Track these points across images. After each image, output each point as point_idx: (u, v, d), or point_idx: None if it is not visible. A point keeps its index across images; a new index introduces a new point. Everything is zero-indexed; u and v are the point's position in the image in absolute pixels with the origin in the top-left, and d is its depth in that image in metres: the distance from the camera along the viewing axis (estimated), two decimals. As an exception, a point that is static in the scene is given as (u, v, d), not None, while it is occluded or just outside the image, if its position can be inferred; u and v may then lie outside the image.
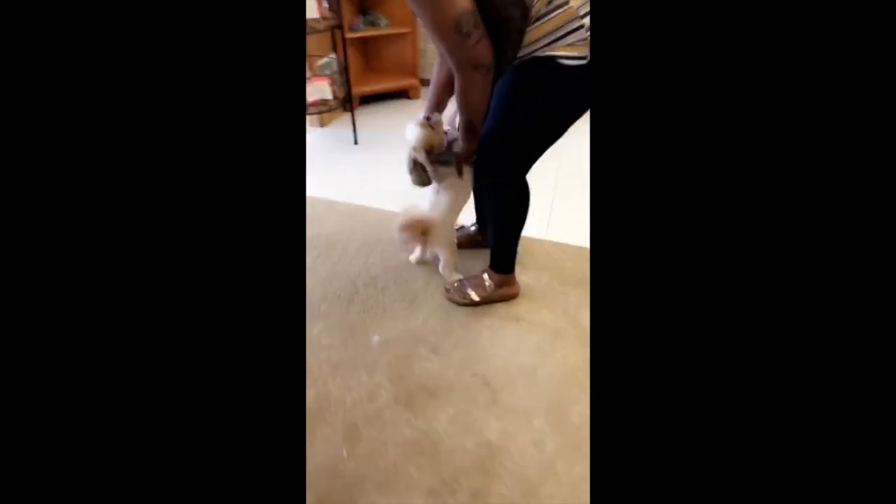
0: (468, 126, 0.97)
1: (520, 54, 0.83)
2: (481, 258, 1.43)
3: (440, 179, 1.16)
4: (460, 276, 1.30)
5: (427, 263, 1.42)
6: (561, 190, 1.83)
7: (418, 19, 0.79)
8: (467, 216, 1.42)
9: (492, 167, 1.03)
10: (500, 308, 1.26)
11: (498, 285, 1.23)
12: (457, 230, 1.47)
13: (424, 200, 1.25)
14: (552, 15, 0.76)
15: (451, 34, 0.74)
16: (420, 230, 1.21)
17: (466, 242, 1.45)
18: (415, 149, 1.10)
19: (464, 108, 0.91)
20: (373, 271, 1.39)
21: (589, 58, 0.79)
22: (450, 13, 0.72)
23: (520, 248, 1.21)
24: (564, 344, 1.15)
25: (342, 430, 0.95)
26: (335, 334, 1.17)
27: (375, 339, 1.16)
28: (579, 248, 1.50)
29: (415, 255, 1.41)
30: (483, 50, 0.77)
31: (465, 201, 1.23)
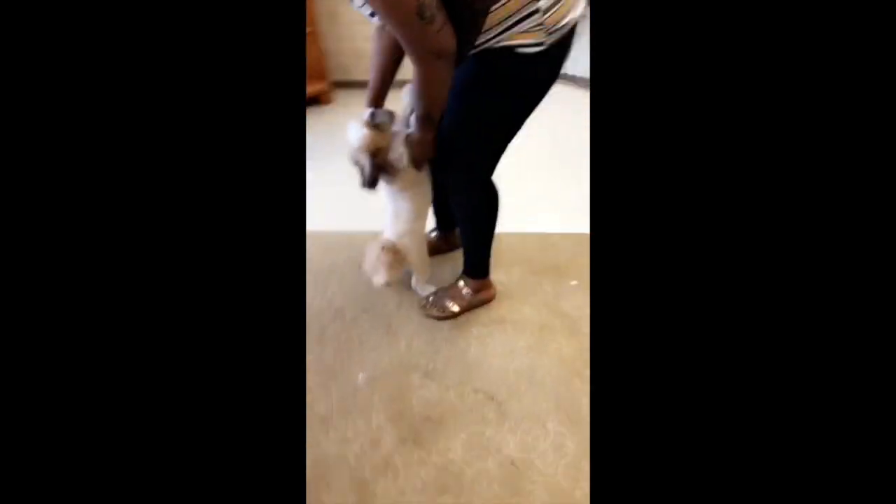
0: (426, 118, 0.87)
1: (476, 49, 0.77)
2: (449, 264, 1.37)
3: (392, 183, 1.04)
4: (434, 289, 1.23)
5: (393, 283, 1.33)
6: (505, 180, 1.82)
7: (369, 5, 0.68)
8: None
9: (456, 164, 0.96)
10: (482, 313, 1.21)
11: (475, 291, 1.19)
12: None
13: (384, 214, 1.15)
14: (504, 3, 0.71)
15: (412, 20, 0.65)
16: (395, 258, 1.10)
17: (430, 251, 1.38)
18: (358, 151, 0.97)
19: (424, 99, 0.82)
20: (336, 303, 1.27)
21: (546, 44, 0.75)
22: None
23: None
24: (554, 337, 1.14)
25: (352, 491, 0.85)
26: (314, 383, 1.05)
27: (361, 377, 1.06)
28: (541, 236, 1.50)
29: (380, 276, 1.32)
30: (447, 36, 0.69)
31: (428, 203, 1.14)
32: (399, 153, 0.97)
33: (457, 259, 1.40)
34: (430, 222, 1.39)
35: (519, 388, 1.02)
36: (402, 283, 1.30)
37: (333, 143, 1.96)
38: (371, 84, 1.01)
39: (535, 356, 1.09)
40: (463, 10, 0.68)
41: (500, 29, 0.74)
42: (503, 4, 0.70)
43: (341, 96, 2.65)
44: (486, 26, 0.73)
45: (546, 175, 1.84)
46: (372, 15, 0.72)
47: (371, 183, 0.99)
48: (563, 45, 0.79)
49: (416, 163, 0.97)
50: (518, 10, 0.71)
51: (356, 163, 0.99)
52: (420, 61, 0.73)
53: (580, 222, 1.57)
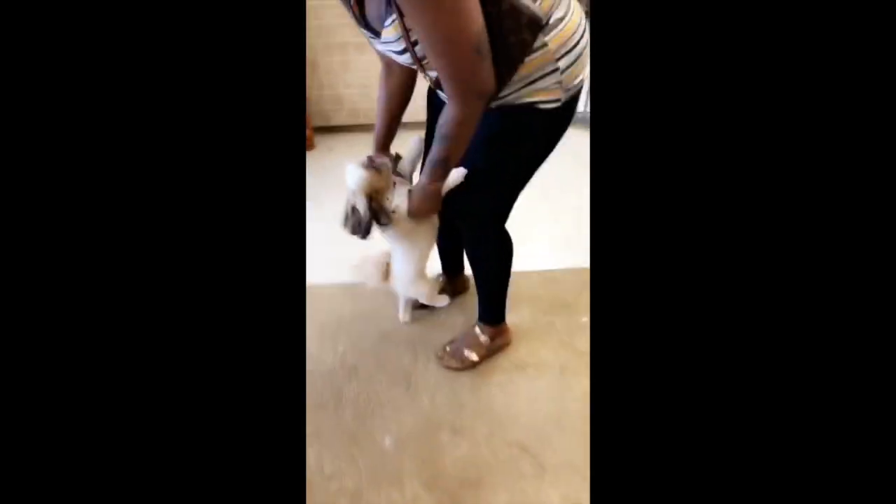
0: (443, 162, 0.80)
1: (494, 102, 0.78)
2: (458, 307, 1.36)
3: (387, 230, 0.97)
4: (446, 300, 1.24)
5: (411, 321, 1.31)
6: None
7: (422, 42, 0.64)
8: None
9: (475, 216, 0.96)
10: (501, 359, 1.19)
11: (493, 338, 1.17)
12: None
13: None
14: (531, 57, 0.73)
15: (468, 55, 0.63)
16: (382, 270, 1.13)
17: (436, 297, 1.37)
18: (355, 193, 0.90)
19: (451, 141, 0.76)
20: (348, 360, 1.23)
21: (563, 100, 0.78)
22: (472, 29, 0.61)
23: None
24: (577, 378, 1.13)
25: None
26: (337, 454, 0.99)
27: (387, 441, 1.01)
28: (542, 273, 1.51)
29: (403, 312, 1.30)
30: (491, 76, 0.68)
31: (429, 245, 1.09)
32: (396, 204, 0.94)
33: (465, 303, 1.39)
34: (434, 264, 1.38)
35: (551, 436, 1.00)
36: (413, 338, 1.27)
37: (322, 186, 1.94)
38: (377, 129, 1.00)
39: (561, 400, 1.08)
40: (501, 55, 0.68)
41: (521, 84, 0.75)
42: (527, 61, 0.72)
43: (323, 141, 2.66)
44: (510, 83, 0.75)
45: (528, 210, 1.88)
46: (401, 53, 0.71)
47: (365, 230, 0.92)
48: (574, 99, 0.82)
49: (416, 214, 0.92)
50: (541, 67, 0.74)
51: (351, 207, 0.92)
52: (462, 99, 0.70)
53: (572, 255, 1.59)
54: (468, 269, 1.13)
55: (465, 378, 1.15)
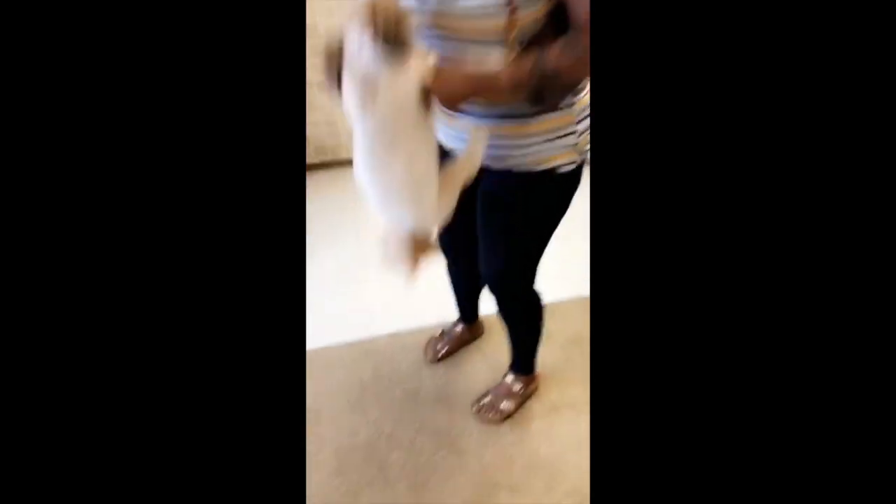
0: (549, 77, 0.61)
1: (512, 160, 0.78)
2: (478, 352, 1.38)
3: (369, 103, 0.59)
4: (421, 278, 0.89)
5: (433, 372, 1.30)
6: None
7: None
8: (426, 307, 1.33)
9: (503, 284, 0.99)
10: (534, 405, 1.23)
11: (526, 385, 1.21)
12: (438, 337, 1.38)
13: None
14: (560, 113, 0.74)
15: None
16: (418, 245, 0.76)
17: (457, 346, 1.38)
18: (358, 24, 0.56)
19: (570, 72, 0.61)
20: (384, 428, 1.20)
21: (578, 162, 0.80)
22: None
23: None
24: (610, 414, 1.20)
25: None
26: (402, 534, 0.98)
27: (449, 513, 1.01)
28: (550, 306, 1.57)
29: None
30: None
31: (432, 165, 0.69)
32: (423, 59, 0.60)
33: (483, 347, 1.41)
34: (442, 311, 1.38)
35: (601, 478, 1.05)
36: (442, 393, 1.27)
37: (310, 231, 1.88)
38: None
39: (601, 439, 1.14)
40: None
41: (543, 139, 0.76)
42: (549, 118, 0.74)
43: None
44: (527, 132, 0.75)
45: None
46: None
47: (339, 76, 0.60)
48: (584, 163, 0.84)
49: (439, 89, 0.61)
50: (563, 126, 0.76)
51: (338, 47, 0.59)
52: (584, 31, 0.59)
53: (571, 285, 1.67)
54: (482, 311, 1.11)
55: (506, 430, 1.17)
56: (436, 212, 0.73)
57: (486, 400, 1.20)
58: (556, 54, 0.60)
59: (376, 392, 1.30)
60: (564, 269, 1.75)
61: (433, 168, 0.68)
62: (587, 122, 0.78)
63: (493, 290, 1.01)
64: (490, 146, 0.77)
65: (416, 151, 0.65)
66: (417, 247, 0.77)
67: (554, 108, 0.73)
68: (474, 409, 1.21)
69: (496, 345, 1.37)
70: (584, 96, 0.76)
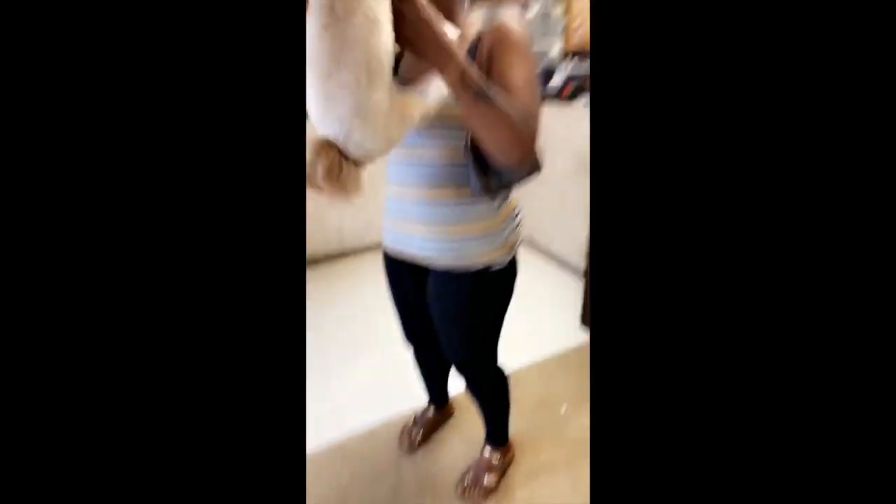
0: (484, 95, 0.60)
1: (448, 260, 0.87)
2: (452, 431, 1.42)
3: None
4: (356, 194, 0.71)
5: (411, 462, 1.30)
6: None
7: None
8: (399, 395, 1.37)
9: (468, 366, 1.08)
10: (514, 474, 1.28)
11: (503, 455, 1.26)
12: (412, 424, 1.40)
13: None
14: (485, 218, 0.84)
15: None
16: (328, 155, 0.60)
17: (431, 430, 1.41)
18: None
19: (503, 113, 0.61)
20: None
21: (506, 262, 0.91)
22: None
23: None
24: (585, 469, 1.28)
25: None
26: None
27: None
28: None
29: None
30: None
31: (376, 51, 0.56)
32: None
33: (456, 426, 1.45)
34: (412, 397, 1.42)
35: (589, 534, 1.10)
36: (424, 483, 1.28)
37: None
38: None
39: (587, 495, 1.20)
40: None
41: (472, 238, 0.86)
42: (498, 214, 0.87)
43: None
44: (462, 235, 0.85)
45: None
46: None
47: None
48: (515, 259, 0.96)
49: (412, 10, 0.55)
50: (502, 221, 0.88)
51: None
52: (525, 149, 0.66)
53: (513, 352, 1.81)
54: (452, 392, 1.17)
55: (493, 506, 1.20)
56: (383, 124, 0.61)
57: (469, 478, 1.23)
58: (496, 91, 0.62)
59: (359, 495, 1.27)
60: (515, 338, 1.89)
61: (387, 60, 0.58)
62: (518, 219, 0.93)
63: (461, 373, 1.10)
64: (427, 247, 0.89)
65: (375, 22, 0.54)
66: (349, 172, 0.63)
67: (490, 198, 0.83)
68: (458, 490, 1.23)
69: (469, 422, 1.43)
70: (512, 201, 0.92)
